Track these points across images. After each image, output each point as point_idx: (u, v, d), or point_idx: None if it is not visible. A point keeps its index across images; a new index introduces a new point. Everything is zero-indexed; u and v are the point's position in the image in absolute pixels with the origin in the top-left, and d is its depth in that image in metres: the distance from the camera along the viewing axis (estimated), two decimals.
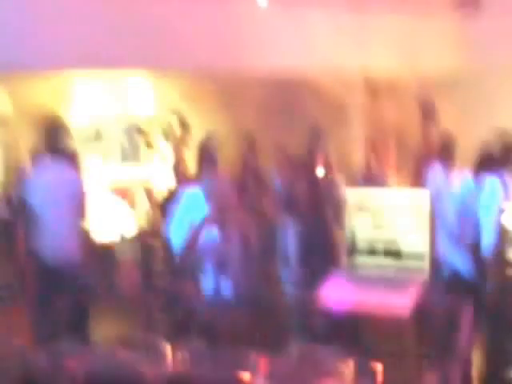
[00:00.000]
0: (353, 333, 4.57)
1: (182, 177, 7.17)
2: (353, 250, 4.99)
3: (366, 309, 4.55)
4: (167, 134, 7.88)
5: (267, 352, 3.87)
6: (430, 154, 7.07)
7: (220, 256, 5.37)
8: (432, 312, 4.58)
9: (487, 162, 5.63)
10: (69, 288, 5.54)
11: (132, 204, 7.66)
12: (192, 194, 5.38)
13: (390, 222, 4.91)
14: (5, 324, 5.62)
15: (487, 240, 5.30)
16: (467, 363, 4.87)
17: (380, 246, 4.94)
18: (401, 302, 4.47)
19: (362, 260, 4.98)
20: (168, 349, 4.07)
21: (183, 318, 5.49)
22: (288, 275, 5.68)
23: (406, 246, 4.85)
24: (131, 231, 7.28)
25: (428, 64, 7.84)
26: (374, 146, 7.21)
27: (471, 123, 7.15)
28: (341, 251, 5.28)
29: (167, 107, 8.11)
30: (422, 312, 4.48)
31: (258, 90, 7.87)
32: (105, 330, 6.04)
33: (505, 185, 5.46)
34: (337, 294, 4.72)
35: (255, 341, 4.69)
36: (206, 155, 5.82)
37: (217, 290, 5.32)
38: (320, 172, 6.45)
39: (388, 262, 4.90)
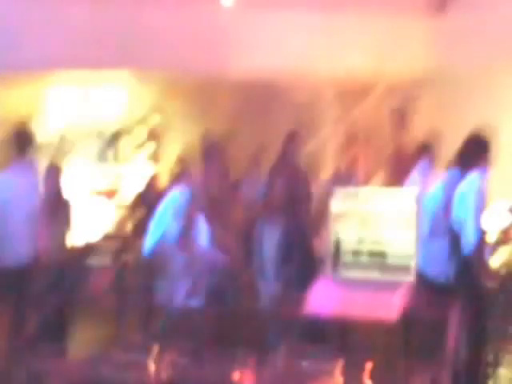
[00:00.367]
0: (340, 336, 4.51)
1: (152, 190, 7.17)
2: (338, 251, 4.91)
3: (353, 312, 4.47)
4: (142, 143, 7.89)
5: (254, 354, 3.79)
6: (404, 154, 7.08)
7: (195, 260, 5.32)
8: (419, 314, 4.53)
9: (465, 160, 5.60)
10: (33, 291, 5.58)
11: (107, 206, 7.60)
12: (173, 198, 5.34)
13: (377, 223, 4.84)
14: None
15: (468, 239, 5.26)
16: (455, 364, 4.84)
17: (366, 248, 4.86)
18: (388, 305, 4.41)
19: (348, 261, 4.90)
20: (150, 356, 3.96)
21: (158, 321, 5.43)
22: (267, 278, 5.60)
23: (392, 247, 4.79)
24: (106, 233, 7.20)
25: (400, 64, 7.86)
26: (346, 148, 7.19)
27: (448, 122, 7.18)
28: (323, 252, 5.23)
29: (142, 113, 8.11)
30: (409, 314, 4.42)
31: (232, 92, 7.83)
32: (80, 334, 5.97)
33: (483, 182, 5.44)
34: (323, 297, 4.64)
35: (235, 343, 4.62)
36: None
37: (191, 293, 5.27)
38: (296, 173, 6.40)
39: (374, 263, 4.83)
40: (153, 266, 5.59)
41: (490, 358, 5.63)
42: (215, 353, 3.87)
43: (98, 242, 7.22)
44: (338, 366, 3.75)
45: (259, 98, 7.89)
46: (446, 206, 5.50)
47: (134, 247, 6.67)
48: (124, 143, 8.44)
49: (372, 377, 3.79)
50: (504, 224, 6.53)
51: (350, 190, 5.27)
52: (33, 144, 5.93)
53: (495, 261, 6.04)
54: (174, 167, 6.75)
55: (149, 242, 5.65)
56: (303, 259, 5.44)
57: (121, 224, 7.50)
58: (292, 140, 6.61)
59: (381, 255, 4.84)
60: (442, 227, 5.48)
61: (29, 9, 7.12)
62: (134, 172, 8.11)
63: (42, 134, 7.60)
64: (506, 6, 7.26)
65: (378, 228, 4.87)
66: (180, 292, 5.35)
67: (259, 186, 6.33)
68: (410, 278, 4.72)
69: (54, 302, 5.71)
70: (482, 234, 5.45)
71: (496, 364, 5.69)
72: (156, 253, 5.52)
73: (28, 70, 7.13)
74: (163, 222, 5.67)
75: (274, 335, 5.05)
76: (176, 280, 5.38)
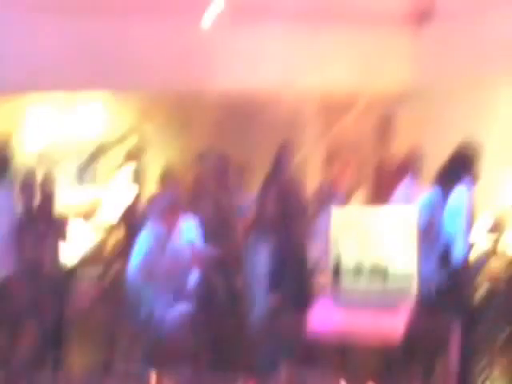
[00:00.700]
0: (341, 356, 4.42)
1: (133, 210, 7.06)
2: (338, 269, 4.81)
3: (354, 332, 4.37)
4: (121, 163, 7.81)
5: (255, 376, 3.69)
6: (387, 170, 7.05)
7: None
8: (421, 332, 4.46)
9: (450, 176, 5.59)
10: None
11: (89, 226, 7.48)
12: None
13: (377, 241, 4.76)
14: None
15: (457, 251, 5.23)
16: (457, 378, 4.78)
17: (367, 266, 4.77)
18: (391, 325, 4.32)
19: (349, 280, 4.80)
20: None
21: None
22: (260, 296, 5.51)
23: (393, 265, 4.71)
24: (89, 253, 7.08)
25: (382, 79, 7.86)
26: (331, 163, 7.13)
27: (430, 136, 7.17)
28: (316, 267, 5.15)
29: (121, 133, 8.04)
30: (412, 334, 4.34)
31: (213, 111, 7.78)
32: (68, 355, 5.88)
33: (470, 196, 5.43)
34: (324, 317, 4.53)
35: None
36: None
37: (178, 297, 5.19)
38: (288, 187, 6.34)
39: (375, 281, 4.74)
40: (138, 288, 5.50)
41: (480, 370, 5.60)
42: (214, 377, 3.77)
43: (76, 264, 7.08)
44: None
45: (240, 115, 7.84)
46: (431, 222, 5.48)
47: (115, 269, 6.56)
48: (103, 164, 8.33)
49: None
50: (489, 237, 6.54)
51: (349, 208, 5.21)
52: (10, 166, 5.91)
53: (482, 274, 6.04)
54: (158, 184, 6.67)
55: (133, 262, 5.57)
56: (296, 277, 5.36)
57: (100, 246, 7.37)
58: (283, 153, 6.56)
59: (381, 274, 4.75)
60: (428, 242, 5.45)
61: (7, 29, 7.05)
62: (113, 193, 7.99)
63: (20, 154, 7.47)
64: (487, 21, 7.29)
65: (379, 247, 4.79)
66: (166, 298, 5.29)
67: (243, 202, 6.28)
68: (411, 297, 4.64)
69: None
70: (469, 248, 5.45)
71: (487, 377, 5.66)
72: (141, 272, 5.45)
73: (5, 90, 7.04)
74: (147, 243, 5.60)
75: (270, 355, 4.96)
76: (161, 286, 5.33)
